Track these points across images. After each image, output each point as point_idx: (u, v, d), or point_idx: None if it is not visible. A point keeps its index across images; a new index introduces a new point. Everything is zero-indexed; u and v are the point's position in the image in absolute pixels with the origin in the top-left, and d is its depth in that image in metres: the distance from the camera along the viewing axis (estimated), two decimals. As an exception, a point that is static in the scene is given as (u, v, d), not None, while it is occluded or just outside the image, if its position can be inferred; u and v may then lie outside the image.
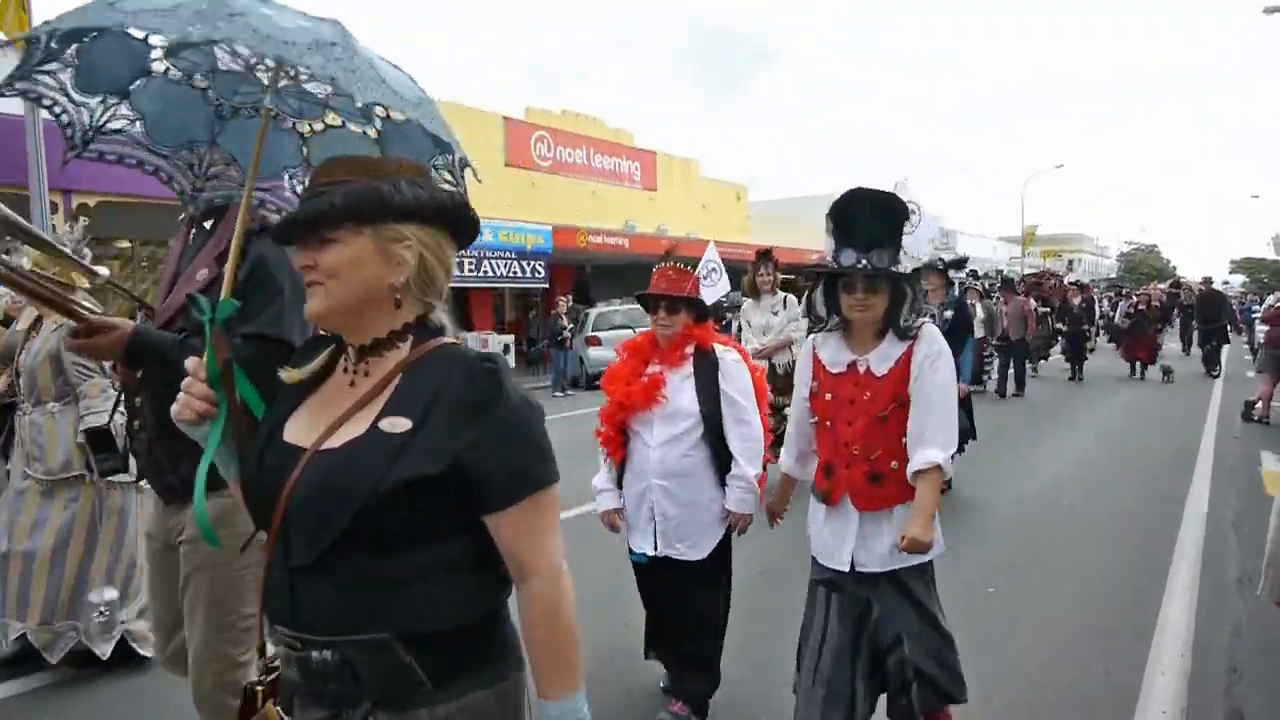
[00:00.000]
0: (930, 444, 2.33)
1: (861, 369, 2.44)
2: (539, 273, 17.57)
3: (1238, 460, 7.69)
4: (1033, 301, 15.49)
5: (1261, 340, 10.83)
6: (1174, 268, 69.37)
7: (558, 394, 14.73)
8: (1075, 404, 12.02)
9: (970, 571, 4.67)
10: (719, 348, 3.03)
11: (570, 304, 16.57)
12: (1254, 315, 21.30)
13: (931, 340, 2.39)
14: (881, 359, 2.43)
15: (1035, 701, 3.21)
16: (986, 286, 17.06)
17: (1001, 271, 29.19)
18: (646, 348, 3.10)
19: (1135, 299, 17.06)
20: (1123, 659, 3.55)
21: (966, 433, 6.22)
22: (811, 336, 2.62)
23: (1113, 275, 63.18)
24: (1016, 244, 49.95)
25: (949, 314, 6.05)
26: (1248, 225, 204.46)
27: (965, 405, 6.04)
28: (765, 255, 6.61)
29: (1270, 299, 16.51)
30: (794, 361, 5.78)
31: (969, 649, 3.65)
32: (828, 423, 2.50)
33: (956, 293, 7.43)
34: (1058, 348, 17.09)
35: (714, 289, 3.44)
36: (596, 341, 15.85)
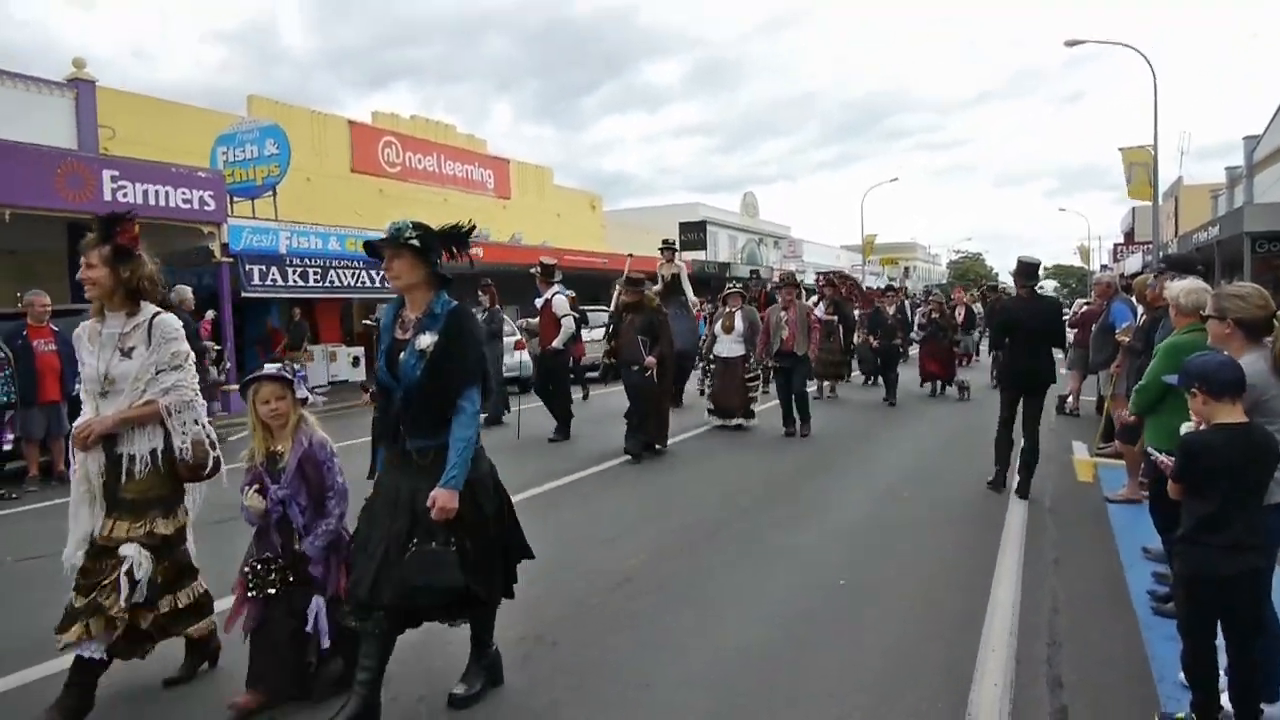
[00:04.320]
0: None
1: None
2: (389, 282, 17.07)
3: (1053, 450, 8.43)
4: (820, 308, 13.15)
5: (1071, 340, 11.94)
6: (996, 274, 75.18)
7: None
8: (896, 420, 12.28)
9: (822, 569, 4.91)
10: None
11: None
12: (1064, 317, 23.38)
13: None
14: None
15: (883, 683, 3.41)
16: (753, 291, 14.73)
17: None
18: None
19: (930, 305, 14.61)
20: (959, 639, 3.82)
21: None
22: None
23: (944, 281, 67.85)
24: (858, 252, 52.85)
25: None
26: (1059, 235, 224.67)
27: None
28: (111, 223, 3.25)
29: (1078, 303, 18.13)
30: (205, 446, 3.31)
31: (822, 640, 3.86)
32: None
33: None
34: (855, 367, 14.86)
35: None
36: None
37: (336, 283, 15.78)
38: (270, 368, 3.43)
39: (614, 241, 28.14)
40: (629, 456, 8.29)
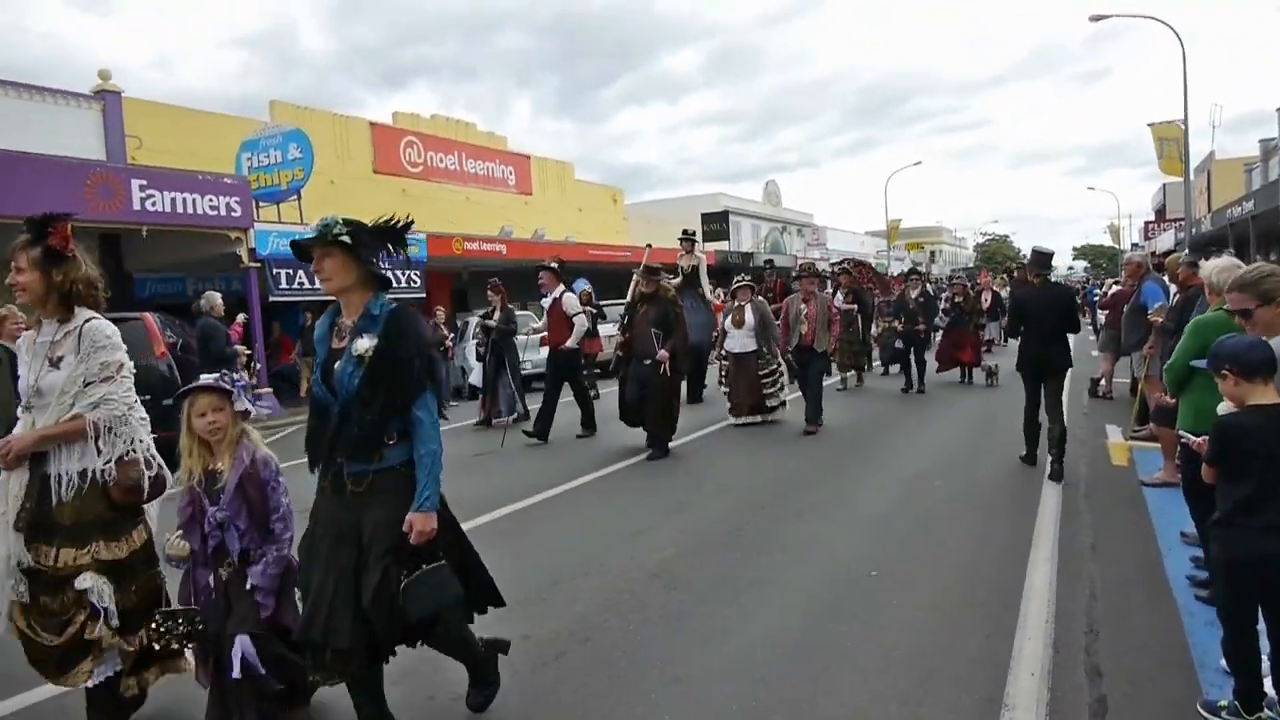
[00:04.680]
0: None
1: None
2: (415, 282, 17.15)
3: (1086, 434, 8.31)
4: (839, 297, 12.76)
5: (1103, 322, 11.76)
6: (1024, 256, 74.08)
7: (439, 406, 14.31)
8: (924, 407, 12.21)
9: (853, 560, 4.88)
10: None
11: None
12: (1094, 298, 23.07)
13: None
14: None
15: (915, 675, 3.38)
16: (768, 281, 14.41)
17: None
18: None
19: (953, 290, 14.25)
20: (994, 628, 3.78)
21: None
22: None
23: (970, 265, 67.10)
24: (883, 238, 52.40)
25: None
26: (1089, 214, 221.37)
27: None
28: (42, 224, 2.99)
29: (1109, 283, 17.84)
30: (137, 467, 3.03)
31: (856, 631, 3.84)
32: None
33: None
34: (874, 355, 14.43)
35: None
36: (482, 350, 15.56)
37: (363, 284, 15.85)
38: (207, 378, 3.10)
39: (636, 235, 28.11)
40: (649, 455, 8.16)
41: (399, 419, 2.78)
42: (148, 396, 3.30)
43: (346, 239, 2.80)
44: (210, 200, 12.90)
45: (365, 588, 2.70)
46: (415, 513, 2.74)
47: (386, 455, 2.78)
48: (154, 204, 12.07)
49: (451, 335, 15.31)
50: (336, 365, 2.82)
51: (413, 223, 2.98)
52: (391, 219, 2.94)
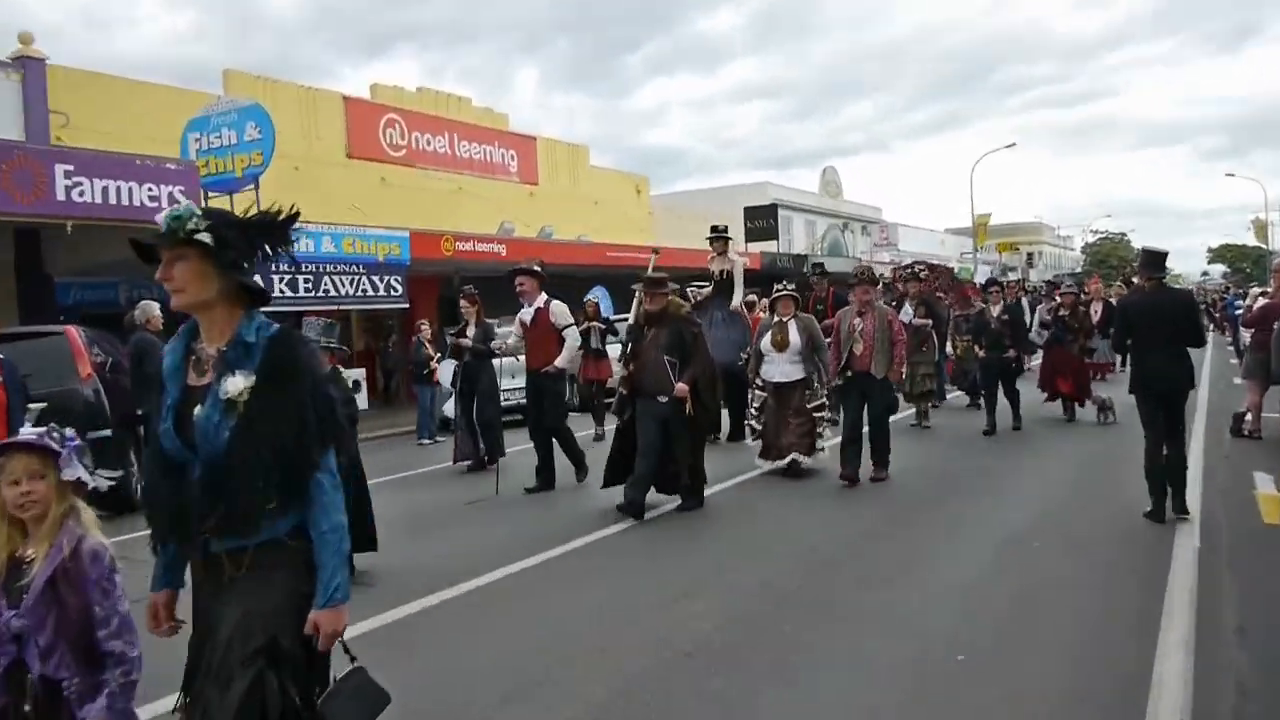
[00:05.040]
0: None
1: None
2: (395, 289, 17.31)
3: (1229, 483, 8.19)
4: (908, 310, 12.73)
5: (1247, 343, 11.55)
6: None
7: (424, 441, 14.40)
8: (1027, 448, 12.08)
9: (932, 639, 4.79)
10: None
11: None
12: (1237, 312, 22.76)
13: None
14: None
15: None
16: (818, 290, 13.94)
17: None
18: None
19: (1058, 300, 14.01)
20: (1115, 732, 3.69)
21: None
22: None
23: (1078, 269, 66.64)
24: (968, 236, 52.18)
25: None
26: (1227, 206, 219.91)
27: None
28: None
29: (1254, 293, 17.56)
30: None
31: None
32: None
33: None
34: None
35: None
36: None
37: (332, 291, 16.08)
38: (28, 433, 2.74)
39: (664, 233, 28.21)
40: (623, 510, 7.73)
41: (287, 480, 2.49)
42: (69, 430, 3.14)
43: (205, 237, 2.49)
44: (149, 189, 13.06)
45: (223, 708, 2.36)
46: (322, 609, 2.50)
47: (265, 527, 2.50)
48: (81, 193, 12.24)
49: (438, 355, 15.37)
50: (197, 411, 2.50)
51: (298, 215, 2.69)
52: (267, 213, 2.67)
